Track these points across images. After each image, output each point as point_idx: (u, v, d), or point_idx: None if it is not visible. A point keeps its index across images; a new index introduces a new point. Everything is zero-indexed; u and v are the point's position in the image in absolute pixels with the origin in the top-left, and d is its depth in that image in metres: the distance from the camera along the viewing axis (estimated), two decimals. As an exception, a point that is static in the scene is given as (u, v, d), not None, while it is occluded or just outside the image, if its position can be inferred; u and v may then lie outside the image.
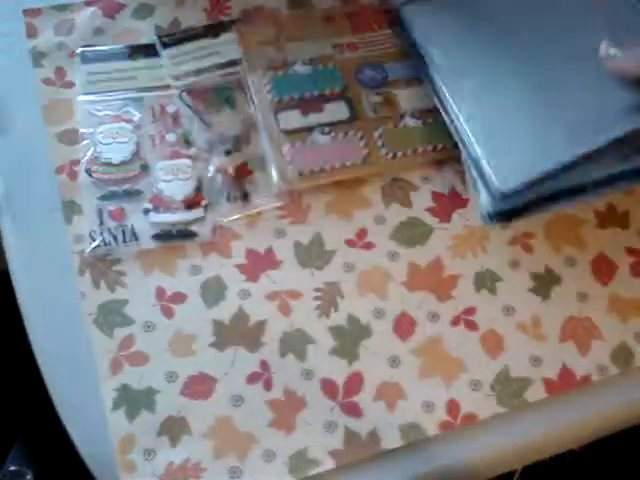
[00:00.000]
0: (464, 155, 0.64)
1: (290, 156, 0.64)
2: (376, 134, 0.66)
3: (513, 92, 0.64)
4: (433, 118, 0.67)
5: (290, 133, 0.65)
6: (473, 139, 0.62)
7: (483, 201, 0.62)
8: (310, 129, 0.65)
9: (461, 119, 0.64)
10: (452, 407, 0.57)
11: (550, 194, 0.63)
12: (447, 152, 0.66)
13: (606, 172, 0.64)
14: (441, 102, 0.65)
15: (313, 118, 0.66)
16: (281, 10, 0.72)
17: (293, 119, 0.66)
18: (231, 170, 0.64)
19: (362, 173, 0.65)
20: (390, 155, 0.65)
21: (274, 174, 0.64)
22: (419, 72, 0.68)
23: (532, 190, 0.61)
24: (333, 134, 0.66)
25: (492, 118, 0.64)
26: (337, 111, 0.67)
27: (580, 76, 0.65)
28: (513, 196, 0.61)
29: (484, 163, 0.61)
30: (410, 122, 0.67)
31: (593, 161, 0.63)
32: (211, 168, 0.64)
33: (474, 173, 0.63)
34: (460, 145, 0.64)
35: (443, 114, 0.65)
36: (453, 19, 0.68)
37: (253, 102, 0.66)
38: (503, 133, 0.63)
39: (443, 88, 0.65)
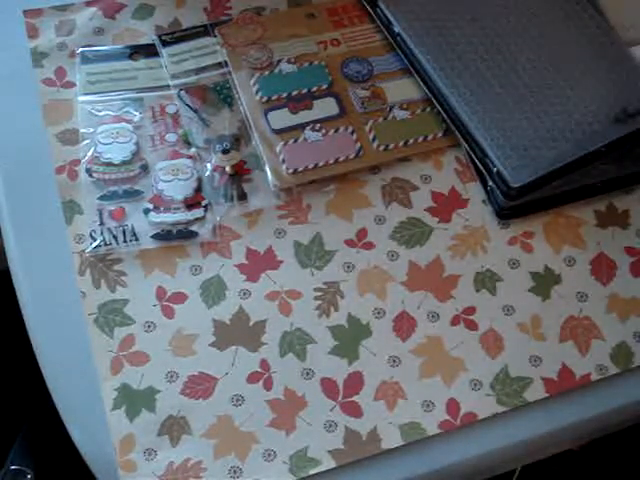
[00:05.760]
0: (465, 147, 0.64)
1: (284, 155, 0.64)
2: (367, 128, 0.66)
3: (509, 88, 0.65)
4: (421, 109, 0.67)
5: (281, 132, 0.65)
6: (478, 134, 0.63)
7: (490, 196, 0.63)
8: (301, 127, 0.66)
9: (460, 112, 0.64)
10: (452, 407, 0.57)
11: (555, 194, 0.64)
12: (438, 142, 0.66)
13: (606, 174, 0.65)
14: (433, 94, 0.66)
15: (303, 116, 0.66)
16: (280, 9, 0.72)
17: (283, 118, 0.66)
18: (228, 169, 0.64)
19: (356, 167, 0.65)
20: (382, 147, 0.66)
21: (269, 173, 0.64)
22: (405, 63, 0.68)
23: (540, 187, 0.62)
24: (324, 130, 0.66)
25: (492, 112, 0.64)
26: (326, 107, 0.67)
27: (573, 79, 0.66)
28: (522, 192, 0.61)
29: (493, 158, 0.62)
30: (399, 114, 0.67)
31: (595, 162, 0.64)
32: (209, 167, 0.64)
33: (479, 166, 0.63)
34: (460, 139, 0.65)
35: (437, 105, 0.66)
36: (436, 7, 0.69)
37: (242, 103, 0.67)
38: (507, 129, 0.63)
39: (437, 82, 0.65)
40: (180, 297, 0.60)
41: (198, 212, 0.63)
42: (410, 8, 0.69)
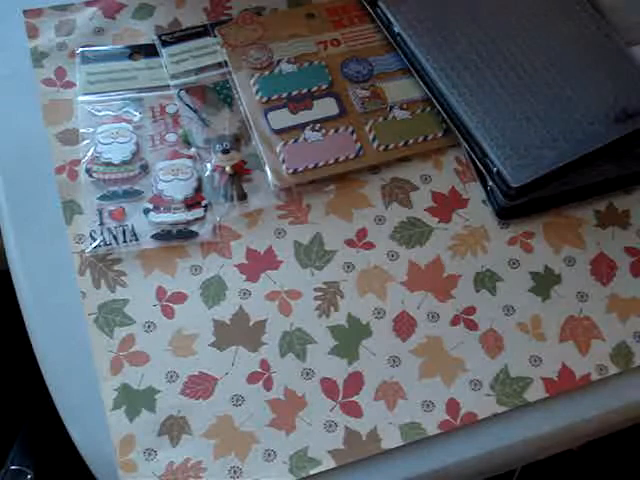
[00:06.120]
0: (465, 147, 0.64)
1: (284, 155, 0.64)
2: (367, 128, 0.66)
3: (509, 88, 0.65)
4: (421, 109, 0.68)
5: (282, 132, 0.65)
6: (478, 134, 0.63)
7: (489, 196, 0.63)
8: (301, 127, 0.66)
9: (460, 112, 0.64)
10: (452, 407, 0.57)
11: (555, 194, 0.64)
12: (438, 141, 0.67)
13: (606, 174, 0.65)
14: (433, 94, 0.66)
15: (303, 116, 0.66)
16: (280, 9, 0.72)
17: (283, 118, 0.66)
18: (228, 169, 0.64)
19: (356, 167, 0.65)
20: (382, 147, 0.66)
21: (269, 173, 0.64)
22: (404, 63, 0.68)
23: (540, 187, 0.62)
24: (324, 130, 0.66)
25: (492, 112, 0.64)
26: (326, 107, 0.67)
27: (573, 79, 0.66)
28: (522, 192, 0.61)
29: (493, 158, 0.62)
30: (399, 114, 0.67)
31: (595, 162, 0.64)
32: (209, 167, 0.65)
33: (480, 166, 0.63)
34: (460, 139, 0.65)
35: (437, 105, 0.66)
36: (435, 7, 0.69)
37: (242, 103, 0.67)
38: (507, 129, 0.63)
39: (437, 82, 0.65)
40: (180, 297, 0.60)
41: (198, 212, 0.63)
42: (410, 8, 0.69)
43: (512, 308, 0.61)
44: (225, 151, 0.65)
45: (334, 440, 0.56)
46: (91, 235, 0.61)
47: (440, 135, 0.67)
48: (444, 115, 0.65)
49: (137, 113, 0.66)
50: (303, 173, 0.64)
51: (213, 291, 0.60)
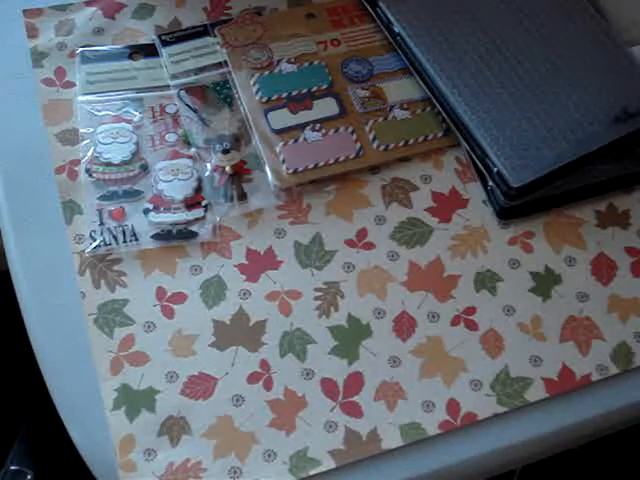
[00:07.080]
0: (465, 147, 0.64)
1: (284, 155, 0.64)
2: (367, 128, 0.66)
3: (509, 88, 0.65)
4: (421, 109, 0.68)
5: (281, 132, 0.65)
6: (478, 134, 0.63)
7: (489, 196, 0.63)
8: (301, 127, 0.66)
9: (460, 112, 0.64)
10: (452, 407, 0.57)
11: (555, 194, 0.64)
12: (438, 141, 0.67)
13: (606, 174, 0.65)
14: (434, 94, 0.66)
15: (303, 116, 0.66)
16: (280, 9, 0.72)
17: (283, 118, 0.66)
18: (228, 169, 0.64)
19: (356, 167, 0.65)
20: (382, 148, 0.66)
21: (269, 173, 0.64)
22: (405, 63, 0.68)
23: (540, 187, 0.62)
24: (324, 130, 0.66)
25: (492, 112, 0.64)
26: (326, 107, 0.67)
27: (573, 79, 0.66)
28: (523, 192, 0.61)
29: (493, 158, 0.62)
30: (399, 114, 0.67)
31: (595, 162, 0.64)
32: (209, 167, 0.64)
33: (480, 166, 0.63)
34: (461, 139, 0.65)
35: (437, 105, 0.66)
36: (435, 7, 0.69)
37: (242, 103, 0.67)
38: (507, 129, 0.63)
39: (437, 82, 0.65)
40: (180, 297, 0.60)
41: (198, 212, 0.63)
42: (410, 8, 0.69)
43: (512, 308, 0.61)
44: (225, 151, 0.65)
45: (334, 440, 0.56)
46: (91, 235, 0.61)
47: (440, 135, 0.67)
48: (444, 115, 0.65)
49: (137, 113, 0.66)
50: (303, 173, 0.64)
51: (213, 291, 0.60)
